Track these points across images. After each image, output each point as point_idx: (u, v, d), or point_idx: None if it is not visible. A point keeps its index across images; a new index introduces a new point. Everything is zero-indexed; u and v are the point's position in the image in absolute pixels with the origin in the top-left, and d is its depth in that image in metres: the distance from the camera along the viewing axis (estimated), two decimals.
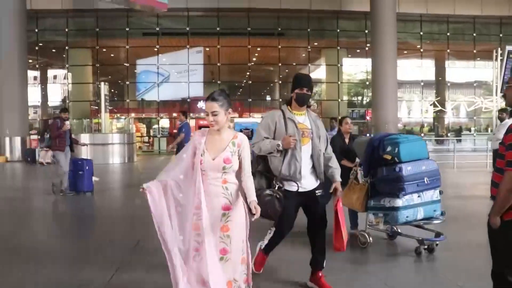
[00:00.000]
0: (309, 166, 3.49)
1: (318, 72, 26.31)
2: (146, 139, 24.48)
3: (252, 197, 2.77)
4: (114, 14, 23.14)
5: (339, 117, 7.32)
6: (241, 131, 15.56)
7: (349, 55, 25.84)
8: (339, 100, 24.70)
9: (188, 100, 24.00)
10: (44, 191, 9.26)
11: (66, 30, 23.26)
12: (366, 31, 23.04)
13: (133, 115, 24.29)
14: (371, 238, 4.77)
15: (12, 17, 18.74)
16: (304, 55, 25.20)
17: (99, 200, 8.76)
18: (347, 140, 5.70)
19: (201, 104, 24.25)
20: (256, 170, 3.40)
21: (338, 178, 3.57)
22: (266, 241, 3.80)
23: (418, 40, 24.75)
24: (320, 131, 3.54)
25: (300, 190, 3.44)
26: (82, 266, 4.19)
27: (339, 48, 24.37)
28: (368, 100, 26.21)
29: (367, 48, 23.30)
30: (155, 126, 24.29)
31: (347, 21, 24.27)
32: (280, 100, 26.18)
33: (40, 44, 23.55)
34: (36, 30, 22.94)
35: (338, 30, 23.86)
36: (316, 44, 25.00)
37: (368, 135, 23.28)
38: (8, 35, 18.70)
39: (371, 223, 4.91)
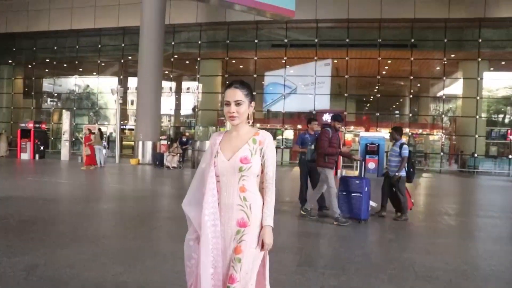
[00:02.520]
0: None
1: (454, 86, 26.65)
2: None
3: (268, 220, 2.49)
4: (244, 26, 26.48)
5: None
6: (366, 146, 17.67)
7: (491, 68, 25.88)
8: (477, 117, 24.96)
9: (314, 112, 26.02)
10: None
11: (199, 42, 27.27)
12: None
13: (258, 125, 27.33)
14: None
15: (152, 31, 22.15)
16: (438, 68, 25.74)
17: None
18: None
19: (326, 117, 26.59)
20: None
21: None
22: None
23: None
24: None
25: None
26: None
27: (479, 60, 24.51)
28: (511, 119, 26.52)
29: None
30: (279, 137, 27.02)
31: (492, 30, 24.54)
32: (410, 115, 27.58)
33: (175, 56, 27.89)
34: (173, 43, 27.52)
35: (480, 40, 24.13)
36: (453, 56, 25.49)
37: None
38: (147, 48, 22.14)
39: None
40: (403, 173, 8.39)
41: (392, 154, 8.57)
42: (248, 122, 2.59)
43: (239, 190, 2.45)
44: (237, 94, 2.49)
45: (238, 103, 2.48)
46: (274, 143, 2.48)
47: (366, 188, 7.82)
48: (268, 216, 2.48)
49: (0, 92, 33.31)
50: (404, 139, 8.92)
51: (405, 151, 8.31)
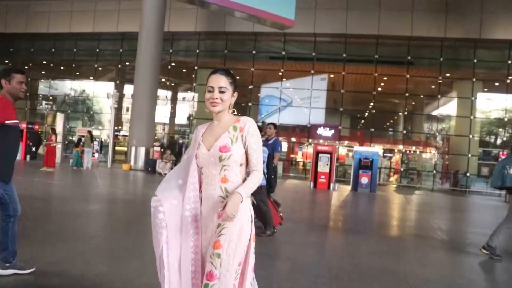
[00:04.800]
0: None
1: (448, 105, 26.70)
2: None
3: (240, 189, 2.27)
4: (242, 37, 26.52)
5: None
6: (360, 160, 17.59)
7: (485, 89, 25.92)
8: (470, 136, 24.83)
9: (308, 125, 26.18)
10: None
11: (197, 51, 27.24)
12: (510, 62, 23.58)
13: None
14: None
15: (150, 38, 22.07)
16: (433, 86, 25.75)
17: None
18: None
19: (321, 131, 26.55)
20: None
21: None
22: None
23: None
24: None
25: None
26: None
27: (474, 80, 24.53)
28: (504, 140, 26.55)
29: (508, 81, 23.76)
30: None
31: (486, 51, 24.72)
32: (404, 132, 27.58)
33: (173, 64, 27.82)
34: (170, 51, 27.42)
35: (475, 61, 24.22)
36: (448, 75, 25.50)
37: None
38: (145, 54, 22.04)
39: None
40: (264, 182, 6.85)
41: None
42: (233, 112, 2.50)
43: (220, 181, 2.32)
44: (222, 80, 2.40)
45: (222, 90, 2.38)
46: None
47: None
48: (242, 187, 2.29)
49: None
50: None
51: (264, 154, 6.69)
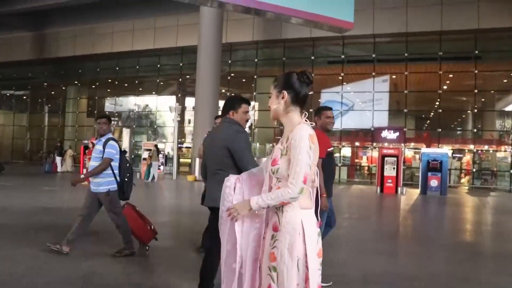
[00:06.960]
0: None
1: None
2: None
3: (255, 199, 2.27)
4: (300, 43, 26.54)
5: None
6: (428, 162, 16.82)
7: None
8: None
9: (372, 129, 25.75)
10: None
11: (256, 60, 27.65)
12: None
13: None
14: None
15: (209, 50, 22.70)
16: (506, 80, 24.61)
17: None
18: None
19: (385, 133, 25.92)
20: None
21: None
22: None
23: None
24: None
25: None
26: None
27: None
28: None
29: None
30: (336, 155, 26.65)
31: None
32: (475, 131, 26.34)
33: (232, 75, 28.39)
34: (229, 62, 27.97)
35: None
36: None
37: None
38: (205, 66, 22.68)
39: None
40: (113, 186, 5.54)
41: (94, 157, 5.63)
42: (304, 115, 2.38)
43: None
44: (270, 87, 2.45)
45: (269, 97, 2.42)
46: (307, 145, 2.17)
47: None
48: (260, 197, 2.26)
49: (67, 111, 35.05)
50: (110, 134, 5.84)
51: (111, 150, 5.52)
